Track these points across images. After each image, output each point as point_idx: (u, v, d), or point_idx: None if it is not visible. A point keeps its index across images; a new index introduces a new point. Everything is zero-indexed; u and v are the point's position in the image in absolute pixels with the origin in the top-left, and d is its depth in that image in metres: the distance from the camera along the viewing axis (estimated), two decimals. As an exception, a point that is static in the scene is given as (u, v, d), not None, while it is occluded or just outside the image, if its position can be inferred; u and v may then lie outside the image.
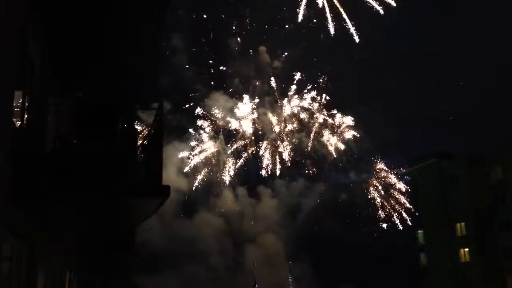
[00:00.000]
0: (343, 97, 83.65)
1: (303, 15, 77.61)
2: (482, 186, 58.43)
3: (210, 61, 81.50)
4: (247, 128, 79.02)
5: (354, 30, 76.53)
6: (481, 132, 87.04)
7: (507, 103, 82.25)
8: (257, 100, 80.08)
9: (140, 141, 10.17)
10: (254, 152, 79.72)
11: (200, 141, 76.62)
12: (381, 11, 75.14)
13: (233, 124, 78.38)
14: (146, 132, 10.55)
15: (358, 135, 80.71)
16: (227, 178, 78.26)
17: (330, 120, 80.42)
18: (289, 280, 77.47)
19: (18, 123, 9.04)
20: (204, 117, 77.17)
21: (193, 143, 76.21)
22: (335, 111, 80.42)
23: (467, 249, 60.00)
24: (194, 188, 75.70)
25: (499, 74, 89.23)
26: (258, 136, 79.92)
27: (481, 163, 58.94)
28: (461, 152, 63.18)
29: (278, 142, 79.77)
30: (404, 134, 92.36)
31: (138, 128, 12.84)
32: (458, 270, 60.44)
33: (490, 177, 58.63)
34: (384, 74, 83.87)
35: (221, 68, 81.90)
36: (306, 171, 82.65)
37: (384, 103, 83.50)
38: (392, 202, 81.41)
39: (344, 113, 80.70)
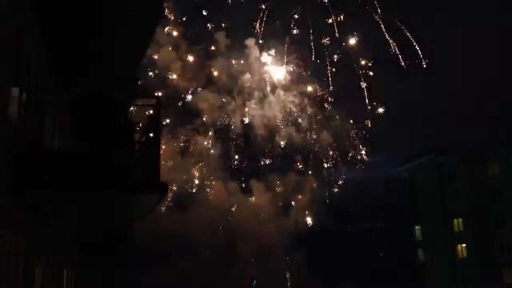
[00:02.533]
0: (341, 94, 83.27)
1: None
2: (480, 183, 58.63)
3: (198, 56, 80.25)
4: (237, 123, 78.80)
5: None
6: (479, 129, 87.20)
7: (505, 100, 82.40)
8: (246, 94, 79.44)
9: (137, 138, 10.16)
10: (244, 147, 79.54)
11: (190, 137, 76.48)
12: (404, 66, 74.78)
13: (223, 121, 78.14)
14: (142, 128, 10.54)
15: (355, 130, 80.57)
16: (219, 173, 78.05)
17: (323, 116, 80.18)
18: (287, 276, 77.48)
19: (16, 122, 9.00)
20: (193, 114, 76.81)
21: (183, 138, 75.95)
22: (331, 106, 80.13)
23: (464, 245, 60.20)
24: (186, 184, 75.49)
25: (498, 73, 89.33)
26: (248, 130, 79.60)
27: (478, 160, 59.12)
28: (459, 149, 63.24)
29: (270, 136, 79.65)
30: (403, 133, 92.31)
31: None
32: (455, 266, 60.67)
33: (488, 174, 58.83)
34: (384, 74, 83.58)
35: (208, 63, 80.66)
36: (300, 166, 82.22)
37: (383, 102, 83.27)
38: (390, 198, 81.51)
39: (342, 108, 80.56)
